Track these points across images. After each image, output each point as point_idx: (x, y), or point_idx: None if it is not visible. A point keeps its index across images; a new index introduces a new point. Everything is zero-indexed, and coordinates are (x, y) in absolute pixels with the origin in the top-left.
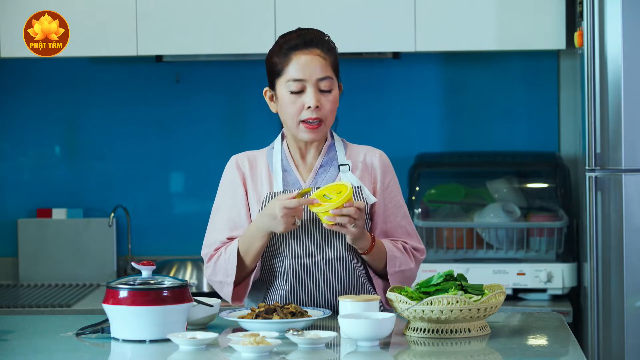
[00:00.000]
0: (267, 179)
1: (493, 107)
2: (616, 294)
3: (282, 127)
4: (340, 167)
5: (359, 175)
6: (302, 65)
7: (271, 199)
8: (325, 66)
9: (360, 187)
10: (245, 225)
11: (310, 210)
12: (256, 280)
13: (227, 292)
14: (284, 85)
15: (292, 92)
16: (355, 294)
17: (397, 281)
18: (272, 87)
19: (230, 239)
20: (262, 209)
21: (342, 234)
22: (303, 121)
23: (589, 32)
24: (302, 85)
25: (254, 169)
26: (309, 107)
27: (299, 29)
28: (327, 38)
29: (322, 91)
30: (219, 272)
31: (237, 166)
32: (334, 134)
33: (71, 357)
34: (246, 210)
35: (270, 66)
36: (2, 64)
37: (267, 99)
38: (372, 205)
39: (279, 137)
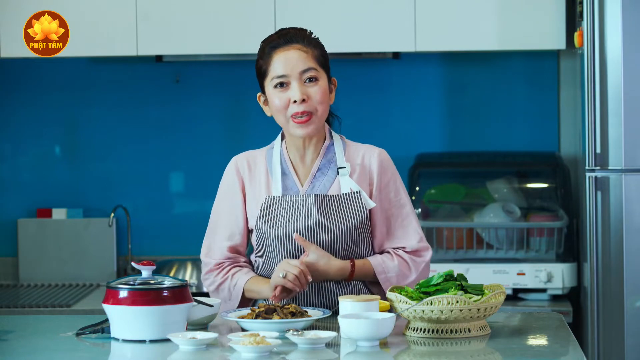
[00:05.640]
0: (265, 182)
1: (493, 107)
2: (616, 294)
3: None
4: (339, 170)
5: (357, 178)
6: (283, 62)
7: (270, 202)
8: (307, 58)
9: (359, 192)
10: (243, 232)
11: (308, 216)
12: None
13: (227, 308)
14: (270, 84)
15: (275, 88)
16: (355, 294)
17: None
18: (263, 90)
19: (231, 248)
20: (261, 212)
21: (344, 235)
22: (293, 117)
23: (589, 32)
24: (286, 81)
25: (252, 172)
26: (295, 102)
27: (280, 30)
28: (308, 33)
29: (308, 83)
30: (221, 293)
31: (236, 171)
32: (333, 134)
33: (71, 357)
34: (243, 216)
35: (257, 70)
36: (2, 64)
37: (261, 104)
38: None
39: (279, 137)
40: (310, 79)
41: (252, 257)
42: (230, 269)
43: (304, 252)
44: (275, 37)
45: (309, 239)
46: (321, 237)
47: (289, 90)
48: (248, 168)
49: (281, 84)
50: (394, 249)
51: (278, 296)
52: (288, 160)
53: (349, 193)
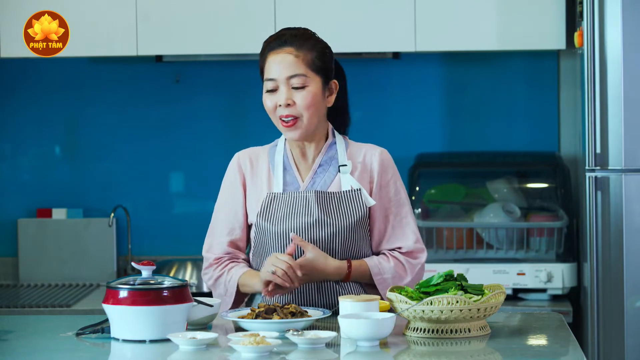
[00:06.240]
0: (267, 179)
1: (493, 107)
2: (616, 294)
3: None
4: (340, 167)
5: (358, 176)
6: (274, 65)
7: (272, 199)
8: (297, 63)
9: (360, 189)
10: (243, 227)
11: (304, 216)
12: None
13: (225, 304)
14: (263, 85)
15: (267, 91)
16: (355, 294)
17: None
18: None
19: (231, 243)
20: (261, 209)
21: (343, 232)
22: (281, 120)
23: (589, 32)
24: (275, 84)
25: (255, 168)
26: (280, 105)
27: (281, 30)
28: (308, 35)
29: (295, 88)
30: (218, 288)
31: (238, 167)
32: (336, 133)
33: (71, 357)
34: (243, 212)
35: (259, 68)
36: (2, 64)
37: None
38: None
39: (283, 135)
40: (297, 85)
41: (251, 254)
42: (227, 264)
43: (302, 252)
44: (273, 38)
45: (308, 236)
46: (321, 234)
47: (277, 94)
48: (250, 164)
49: (271, 87)
50: (390, 249)
51: (271, 291)
52: (290, 156)
53: (349, 190)
